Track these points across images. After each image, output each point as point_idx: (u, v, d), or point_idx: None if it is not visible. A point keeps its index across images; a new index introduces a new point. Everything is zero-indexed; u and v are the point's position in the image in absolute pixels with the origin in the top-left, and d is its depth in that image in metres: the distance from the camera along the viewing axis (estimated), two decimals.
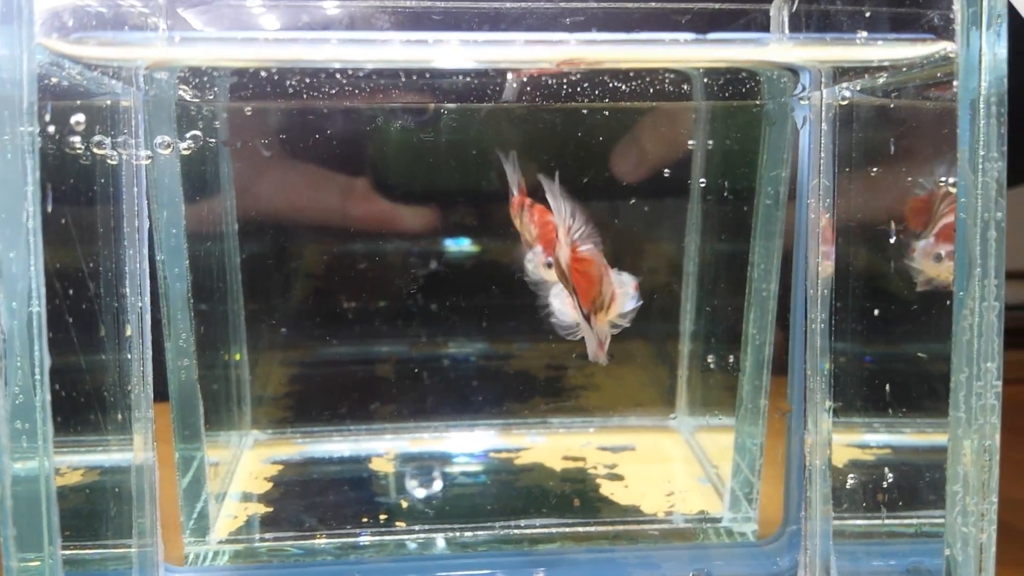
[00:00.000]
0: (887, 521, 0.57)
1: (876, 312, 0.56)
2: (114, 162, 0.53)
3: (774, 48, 0.53)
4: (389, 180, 0.88)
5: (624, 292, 0.60)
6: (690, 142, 0.81)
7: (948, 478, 0.44)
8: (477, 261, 0.91)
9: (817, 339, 0.58)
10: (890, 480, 0.57)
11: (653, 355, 0.94)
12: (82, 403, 0.48)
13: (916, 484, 0.55)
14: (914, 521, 0.57)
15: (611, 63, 0.59)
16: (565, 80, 0.67)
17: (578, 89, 0.67)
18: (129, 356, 0.54)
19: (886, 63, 0.50)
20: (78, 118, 0.48)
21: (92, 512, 0.52)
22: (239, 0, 0.72)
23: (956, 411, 0.44)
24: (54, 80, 0.47)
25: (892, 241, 0.50)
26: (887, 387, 0.56)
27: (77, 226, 0.48)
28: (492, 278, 0.90)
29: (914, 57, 0.47)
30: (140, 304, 0.55)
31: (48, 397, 0.41)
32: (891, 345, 0.56)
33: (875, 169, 0.55)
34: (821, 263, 0.57)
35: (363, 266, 0.90)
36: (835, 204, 0.57)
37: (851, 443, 0.60)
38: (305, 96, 0.67)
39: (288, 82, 0.65)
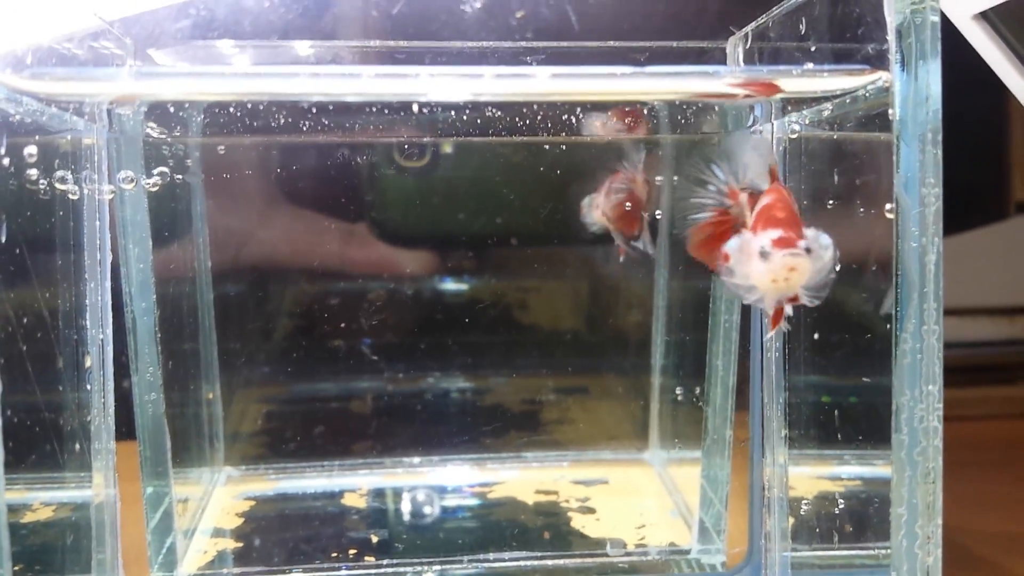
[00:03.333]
0: (843, 552, 0.57)
1: (827, 341, 0.57)
2: (75, 197, 0.54)
3: (727, 80, 0.54)
4: (367, 217, 0.89)
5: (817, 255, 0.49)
6: (657, 177, 0.83)
7: (892, 501, 0.44)
8: (449, 294, 0.92)
9: (773, 368, 0.58)
10: (844, 510, 0.57)
11: (626, 389, 0.95)
12: (37, 433, 0.48)
13: (869, 514, 0.55)
14: (870, 552, 0.57)
15: (572, 97, 0.60)
16: (540, 115, 0.67)
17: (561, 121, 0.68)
18: (89, 387, 0.54)
19: (828, 93, 0.51)
20: (34, 152, 0.49)
21: (48, 546, 0.52)
22: (210, 41, 0.74)
23: (899, 434, 0.44)
24: (13, 115, 0.47)
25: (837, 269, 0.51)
26: (839, 417, 0.56)
27: (33, 258, 0.48)
28: (463, 309, 0.91)
29: (854, 87, 0.49)
30: (101, 336, 0.56)
31: None
32: (842, 374, 0.56)
33: (826, 200, 0.56)
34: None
35: (336, 302, 0.90)
36: None
37: (807, 473, 0.60)
38: (276, 132, 0.69)
39: (258, 119, 0.66)
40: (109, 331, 0.57)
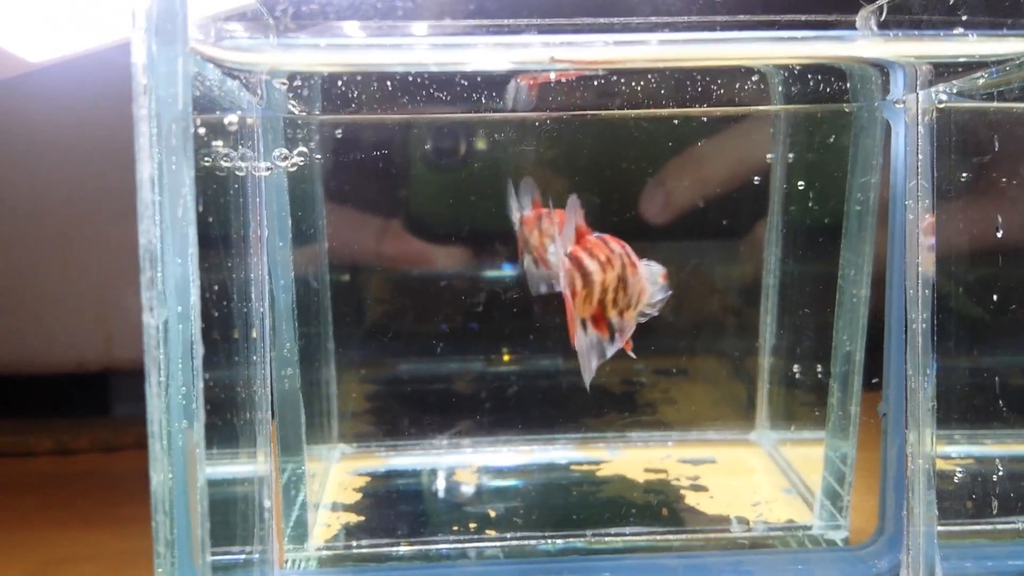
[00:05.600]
0: (997, 527, 0.57)
1: (982, 314, 0.57)
2: (241, 173, 0.56)
3: (862, 44, 0.54)
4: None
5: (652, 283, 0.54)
6: (768, 155, 0.83)
7: None
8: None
9: (919, 339, 0.58)
10: (998, 484, 0.57)
11: (731, 371, 0.95)
12: (221, 401, 0.50)
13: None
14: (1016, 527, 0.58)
15: (692, 62, 0.60)
16: (640, 86, 0.68)
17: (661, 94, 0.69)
18: (254, 359, 0.56)
19: (986, 59, 0.51)
20: (215, 127, 0.50)
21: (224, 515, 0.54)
22: (338, 22, 0.76)
23: None
24: (196, 91, 0.49)
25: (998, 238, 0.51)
26: (994, 390, 0.56)
27: (216, 231, 0.50)
28: None
29: (1016, 52, 0.48)
30: (262, 309, 0.58)
31: (201, 386, 0.43)
32: (998, 349, 0.56)
33: (978, 175, 0.56)
34: (923, 261, 0.58)
35: (445, 284, 0.92)
36: (935, 206, 0.58)
37: (955, 446, 0.60)
38: (403, 111, 0.70)
39: (387, 100, 0.68)
40: (266, 303, 0.59)
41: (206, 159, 0.52)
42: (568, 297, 0.55)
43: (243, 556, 0.56)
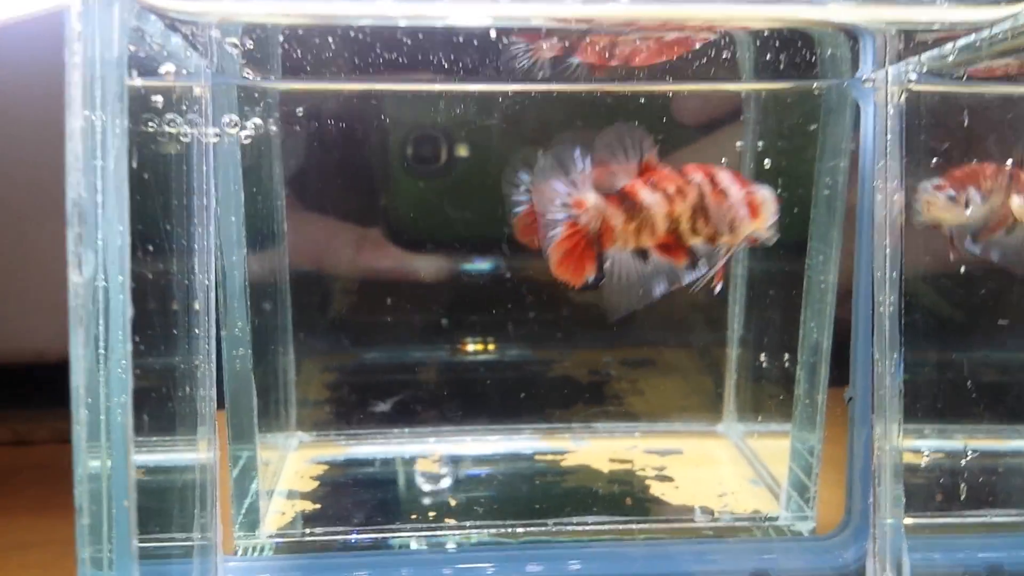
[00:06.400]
0: (964, 520, 0.56)
1: (950, 301, 0.56)
2: (186, 139, 0.53)
3: (833, 7, 0.53)
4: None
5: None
6: (738, 143, 0.82)
7: None
8: (520, 266, 0.91)
9: (887, 323, 0.57)
10: (965, 476, 0.56)
11: (699, 363, 0.93)
12: (154, 371, 0.48)
13: (993, 482, 0.54)
14: (993, 520, 0.56)
15: (652, 20, 0.58)
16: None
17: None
18: (197, 331, 0.54)
19: (956, 27, 0.49)
20: (158, 92, 0.48)
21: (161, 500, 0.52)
22: None
23: None
24: (135, 50, 0.47)
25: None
26: (962, 378, 0.55)
27: (154, 196, 0.48)
28: (533, 280, 0.90)
29: (991, 19, 0.47)
30: (207, 282, 0.55)
31: (130, 350, 0.41)
32: (968, 336, 0.55)
33: (952, 158, 0.55)
34: (891, 242, 0.56)
35: (407, 271, 0.90)
36: (904, 188, 0.56)
37: (924, 436, 0.59)
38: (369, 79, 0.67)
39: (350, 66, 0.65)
40: (212, 277, 0.56)
41: (150, 123, 0.50)
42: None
43: (180, 543, 0.53)
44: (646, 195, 0.55)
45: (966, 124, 0.57)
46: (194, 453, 0.54)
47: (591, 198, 0.56)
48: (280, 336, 0.85)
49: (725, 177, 0.56)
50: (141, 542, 0.43)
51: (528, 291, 0.90)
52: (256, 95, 0.71)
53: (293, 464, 0.85)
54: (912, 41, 0.57)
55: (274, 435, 0.84)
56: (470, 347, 0.93)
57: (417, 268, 0.90)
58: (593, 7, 0.55)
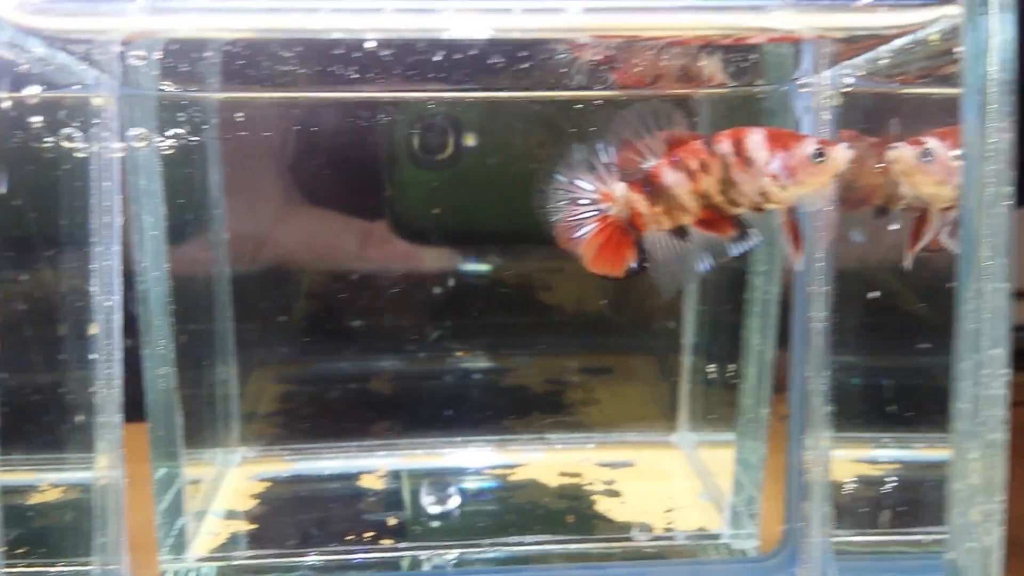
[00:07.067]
0: (891, 537, 0.54)
1: (877, 313, 0.54)
2: (83, 155, 0.51)
3: (776, 15, 0.51)
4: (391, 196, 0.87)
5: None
6: None
7: (951, 476, 0.41)
8: (470, 274, 0.89)
9: (817, 341, 0.55)
10: (891, 493, 0.54)
11: (654, 370, 0.92)
12: (35, 402, 0.46)
13: (919, 498, 0.52)
14: (919, 537, 0.54)
15: (594, 33, 0.57)
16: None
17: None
18: (95, 357, 0.52)
19: (887, 30, 0.47)
20: (39, 105, 0.46)
21: (47, 528, 0.50)
22: None
23: (959, 402, 0.41)
24: (19, 63, 0.45)
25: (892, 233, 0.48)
26: (889, 394, 0.53)
27: (35, 217, 0.46)
28: (485, 287, 0.88)
29: (916, 23, 0.45)
30: (108, 303, 0.53)
31: None
32: (893, 346, 0.53)
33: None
34: (822, 257, 0.54)
35: (358, 278, 0.88)
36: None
37: (852, 455, 0.57)
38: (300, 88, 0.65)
39: (282, 75, 0.63)
40: (118, 298, 0.54)
41: (42, 140, 0.48)
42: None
43: (75, 568, 0.51)
44: (668, 175, 0.53)
45: (901, 123, 0.55)
46: (90, 473, 0.52)
47: (617, 188, 0.54)
48: (220, 349, 0.83)
49: (755, 141, 0.52)
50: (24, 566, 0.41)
51: (481, 300, 0.88)
52: (185, 105, 0.69)
53: (233, 481, 0.83)
54: (849, 46, 0.55)
55: (211, 452, 0.82)
56: (422, 356, 0.91)
57: (366, 276, 0.88)
58: (533, 18, 0.53)
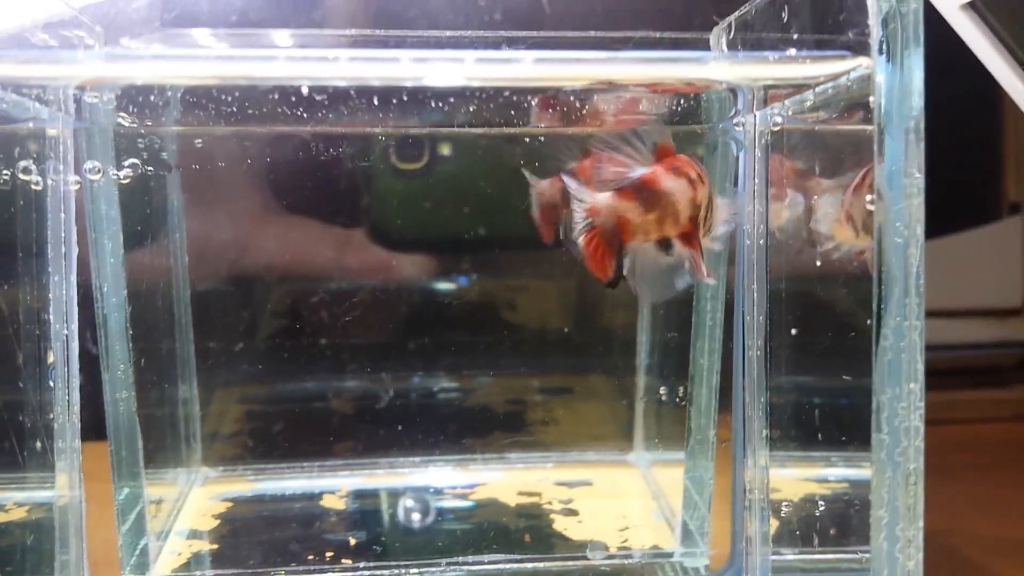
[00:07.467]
0: (825, 556, 0.56)
1: (807, 339, 0.56)
2: (38, 188, 0.52)
3: (712, 66, 0.53)
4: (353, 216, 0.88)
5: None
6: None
7: (872, 503, 0.43)
8: (433, 294, 0.90)
9: (755, 367, 0.57)
10: (826, 513, 0.56)
11: (610, 390, 0.93)
12: None
13: (852, 517, 0.53)
14: (852, 556, 0.56)
15: (537, 83, 0.58)
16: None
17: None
18: (52, 384, 0.53)
19: (806, 80, 0.50)
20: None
21: (7, 549, 0.51)
22: (186, 29, 0.73)
23: (879, 434, 0.43)
24: None
25: (819, 265, 0.50)
26: (821, 418, 0.55)
27: None
28: (446, 309, 0.90)
29: (833, 73, 0.47)
30: (66, 332, 0.54)
31: None
32: (824, 373, 0.55)
33: (809, 193, 0.55)
34: (756, 288, 0.56)
35: (317, 299, 0.89)
36: (767, 231, 0.56)
37: (789, 475, 0.59)
38: (253, 123, 0.67)
39: (235, 110, 0.65)
40: (75, 326, 0.55)
41: None
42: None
43: None
44: (670, 183, 0.55)
45: (825, 158, 0.57)
46: (49, 495, 0.53)
47: (599, 199, 0.56)
48: (181, 371, 0.84)
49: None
50: None
51: (440, 319, 0.90)
52: (142, 137, 0.70)
53: (196, 501, 0.84)
54: (777, 89, 0.57)
55: (174, 472, 0.83)
56: (383, 375, 0.92)
57: (325, 299, 0.89)
58: (487, 67, 0.55)
